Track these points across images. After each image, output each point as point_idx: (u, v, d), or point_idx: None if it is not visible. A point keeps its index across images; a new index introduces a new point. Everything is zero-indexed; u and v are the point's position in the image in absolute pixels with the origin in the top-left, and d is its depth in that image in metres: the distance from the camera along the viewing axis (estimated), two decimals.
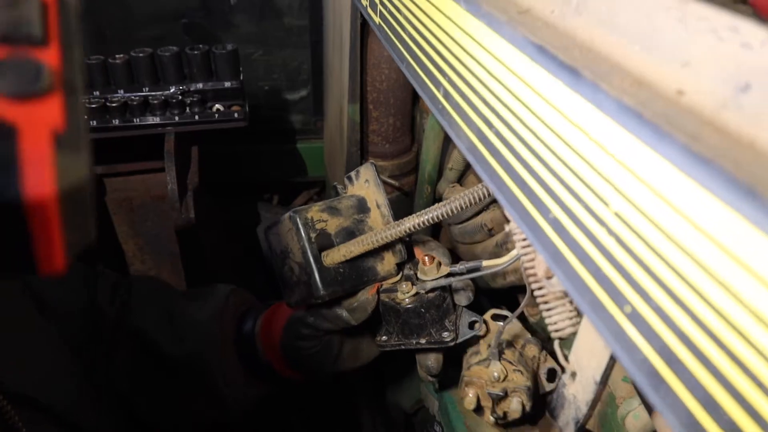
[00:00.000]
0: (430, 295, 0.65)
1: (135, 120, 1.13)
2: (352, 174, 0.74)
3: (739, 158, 0.22)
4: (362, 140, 1.37)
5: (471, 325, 0.66)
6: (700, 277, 0.22)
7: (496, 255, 0.93)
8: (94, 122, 1.11)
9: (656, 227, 0.24)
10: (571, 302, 0.44)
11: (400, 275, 0.68)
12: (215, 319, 0.78)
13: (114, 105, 1.12)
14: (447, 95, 0.47)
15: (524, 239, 0.44)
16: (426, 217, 0.57)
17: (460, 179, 1.22)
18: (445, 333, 0.66)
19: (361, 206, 0.70)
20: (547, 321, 0.45)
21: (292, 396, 1.08)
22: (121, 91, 1.15)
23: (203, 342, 0.76)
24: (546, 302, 0.44)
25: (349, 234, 0.67)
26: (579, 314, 0.43)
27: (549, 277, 0.41)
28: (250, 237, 1.55)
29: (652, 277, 0.25)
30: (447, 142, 1.19)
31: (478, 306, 0.82)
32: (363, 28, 1.19)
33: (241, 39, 1.63)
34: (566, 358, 0.44)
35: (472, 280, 0.88)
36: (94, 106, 1.11)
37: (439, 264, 0.65)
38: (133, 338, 0.76)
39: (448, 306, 0.67)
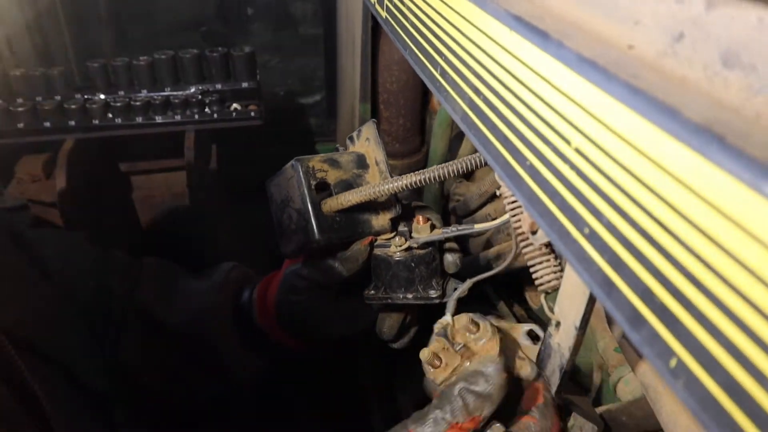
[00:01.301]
0: (421, 251, 0.67)
1: (157, 118, 1.19)
2: (354, 134, 0.76)
3: (669, 90, 0.27)
4: None
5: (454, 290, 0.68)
6: (638, 189, 0.27)
7: (499, 244, 0.97)
8: (119, 120, 1.17)
9: (606, 155, 0.29)
10: (555, 257, 0.48)
11: (393, 233, 0.71)
12: (215, 290, 0.82)
13: (138, 104, 1.18)
14: (443, 73, 0.52)
15: (512, 199, 0.49)
16: (423, 176, 0.60)
17: (468, 175, 1.26)
18: (432, 291, 0.68)
19: (361, 162, 0.73)
20: (534, 276, 0.49)
21: (297, 378, 1.11)
22: (145, 91, 1.21)
23: (201, 312, 0.80)
24: (532, 258, 0.48)
25: (347, 186, 0.69)
26: (561, 268, 0.47)
27: (534, 232, 0.45)
28: (265, 236, 1.60)
29: (602, 198, 0.29)
30: (455, 140, 1.24)
31: (484, 298, 0.85)
32: (374, 32, 1.25)
33: (257, 47, 1.70)
34: (552, 310, 0.48)
35: (477, 266, 0.92)
36: (119, 104, 1.17)
37: (433, 226, 0.69)
38: (141, 313, 0.80)
39: (437, 266, 0.70)
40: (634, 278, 0.27)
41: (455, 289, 0.65)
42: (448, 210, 1.23)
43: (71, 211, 1.10)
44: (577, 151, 0.31)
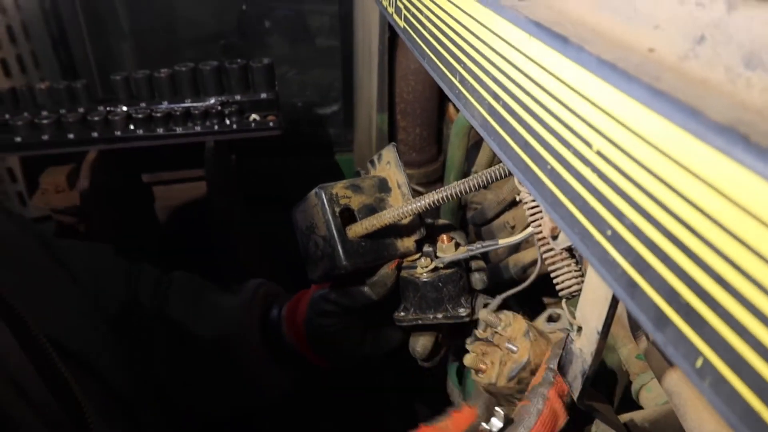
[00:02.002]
0: (448, 270, 0.68)
1: (177, 129, 1.21)
2: (375, 158, 0.78)
3: (691, 92, 0.27)
4: None
5: (485, 306, 0.69)
6: (661, 190, 0.27)
7: (518, 251, 0.97)
8: (141, 131, 1.20)
9: (628, 157, 0.29)
10: (576, 262, 0.48)
11: (419, 254, 0.72)
12: (243, 306, 0.83)
13: (159, 115, 1.20)
14: (462, 80, 0.52)
15: (532, 204, 0.49)
16: (446, 193, 0.61)
17: (482, 187, 1.26)
18: (461, 309, 0.69)
19: (383, 186, 0.74)
20: (555, 281, 0.49)
21: (320, 391, 1.12)
22: (165, 103, 1.24)
23: (230, 327, 0.81)
24: (553, 263, 0.48)
25: (371, 211, 0.71)
26: (582, 273, 0.47)
27: (555, 236, 0.45)
28: (283, 247, 1.61)
29: (625, 200, 0.29)
30: (472, 149, 1.24)
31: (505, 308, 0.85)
32: (390, 42, 1.27)
33: (275, 59, 1.73)
34: (573, 315, 0.48)
35: (499, 276, 0.92)
36: (140, 116, 1.20)
37: (457, 244, 0.69)
38: (170, 327, 0.82)
39: (465, 284, 0.70)
40: (659, 279, 0.28)
41: (485, 305, 0.66)
42: (466, 219, 1.23)
43: (94, 220, 1.12)
44: (599, 154, 0.32)
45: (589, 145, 0.32)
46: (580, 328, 0.48)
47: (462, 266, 0.70)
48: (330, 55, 1.77)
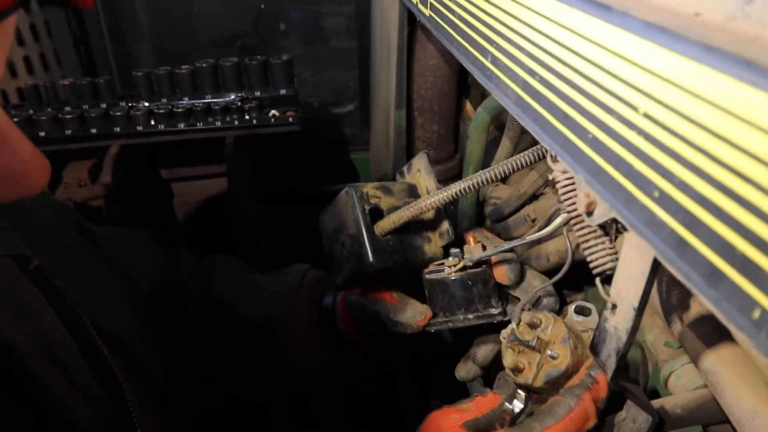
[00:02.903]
0: (476, 269, 0.68)
1: (198, 124, 1.22)
2: (404, 168, 0.78)
3: (742, 47, 0.27)
4: (408, 146, 1.43)
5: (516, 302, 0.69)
6: (713, 143, 0.27)
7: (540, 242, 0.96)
8: (162, 126, 1.21)
9: (678, 114, 0.29)
10: (610, 240, 0.48)
11: (444, 260, 0.71)
12: (295, 290, 0.83)
13: (180, 111, 1.21)
14: (494, 60, 0.52)
15: (566, 182, 0.49)
16: (472, 181, 0.61)
17: (504, 178, 1.26)
18: (492, 309, 0.68)
19: (412, 191, 0.74)
20: (589, 259, 0.49)
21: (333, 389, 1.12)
22: (186, 98, 1.25)
23: (279, 309, 0.81)
24: (587, 241, 0.48)
25: None
26: (616, 251, 0.47)
27: (589, 213, 0.45)
28: (297, 244, 1.62)
29: (674, 159, 0.30)
30: (491, 144, 1.24)
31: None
32: (410, 38, 1.27)
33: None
34: (608, 293, 0.48)
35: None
36: (161, 111, 1.21)
37: (484, 246, 0.69)
38: (214, 307, 0.82)
39: (495, 284, 0.70)
40: (711, 234, 0.28)
41: (516, 302, 0.67)
42: (484, 215, 1.23)
43: (115, 212, 1.13)
44: (646, 115, 0.32)
45: (635, 108, 0.32)
46: (615, 306, 0.47)
47: (490, 265, 0.69)
48: (344, 56, 1.78)
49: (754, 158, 0.25)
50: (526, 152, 0.63)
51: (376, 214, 0.70)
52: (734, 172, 0.26)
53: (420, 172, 0.75)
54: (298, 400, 1.12)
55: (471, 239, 0.71)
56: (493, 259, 0.70)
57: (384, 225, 0.68)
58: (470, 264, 0.68)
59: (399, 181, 0.75)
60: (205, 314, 0.82)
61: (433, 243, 0.72)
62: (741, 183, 0.26)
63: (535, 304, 0.68)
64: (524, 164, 0.64)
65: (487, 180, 0.62)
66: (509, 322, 0.66)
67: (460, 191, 0.63)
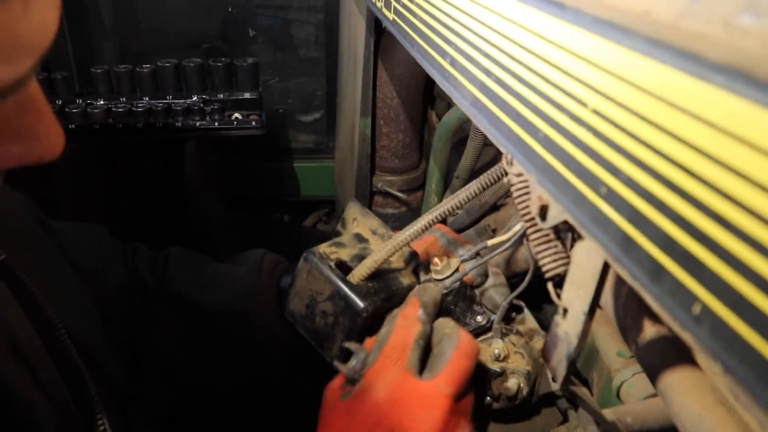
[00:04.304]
0: (456, 287, 0.67)
1: (158, 124, 1.19)
2: (338, 224, 0.76)
3: (689, 42, 0.27)
4: (372, 154, 1.43)
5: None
6: (659, 138, 0.27)
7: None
8: (120, 125, 1.17)
9: (626, 110, 0.29)
10: (563, 244, 0.48)
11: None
12: (253, 272, 0.81)
13: (139, 110, 1.18)
14: (453, 62, 0.52)
15: (520, 184, 0.48)
16: (438, 212, 0.60)
17: (464, 204, 1.26)
18: (478, 316, 0.69)
19: (360, 238, 0.72)
20: (540, 263, 0.49)
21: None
22: (147, 98, 1.22)
23: (239, 295, 0.79)
24: (539, 244, 0.48)
25: (361, 259, 0.67)
26: (568, 255, 0.47)
27: (543, 216, 0.45)
28: (264, 247, 1.60)
29: (621, 154, 0.29)
30: (454, 153, 1.25)
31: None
32: (376, 47, 1.27)
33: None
34: (558, 296, 0.47)
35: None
36: (120, 110, 1.18)
37: (449, 259, 0.68)
38: (174, 301, 0.79)
39: (471, 292, 0.70)
40: (655, 229, 0.27)
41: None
42: (446, 224, 1.23)
43: (69, 211, 1.09)
44: (595, 111, 0.31)
45: (584, 104, 0.32)
46: (566, 311, 0.47)
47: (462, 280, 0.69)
48: (311, 64, 1.78)
49: (698, 151, 0.25)
50: (484, 174, 0.62)
51: (341, 265, 0.67)
52: (678, 166, 0.26)
53: (356, 221, 0.73)
54: (263, 398, 1.09)
55: (437, 260, 0.70)
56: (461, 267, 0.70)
57: (359, 273, 0.65)
58: (445, 291, 0.67)
59: (342, 235, 0.73)
60: (166, 309, 0.79)
61: (405, 271, 0.70)
62: (683, 176, 0.25)
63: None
64: (485, 186, 0.63)
65: (449, 210, 0.61)
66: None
67: (426, 225, 0.62)
